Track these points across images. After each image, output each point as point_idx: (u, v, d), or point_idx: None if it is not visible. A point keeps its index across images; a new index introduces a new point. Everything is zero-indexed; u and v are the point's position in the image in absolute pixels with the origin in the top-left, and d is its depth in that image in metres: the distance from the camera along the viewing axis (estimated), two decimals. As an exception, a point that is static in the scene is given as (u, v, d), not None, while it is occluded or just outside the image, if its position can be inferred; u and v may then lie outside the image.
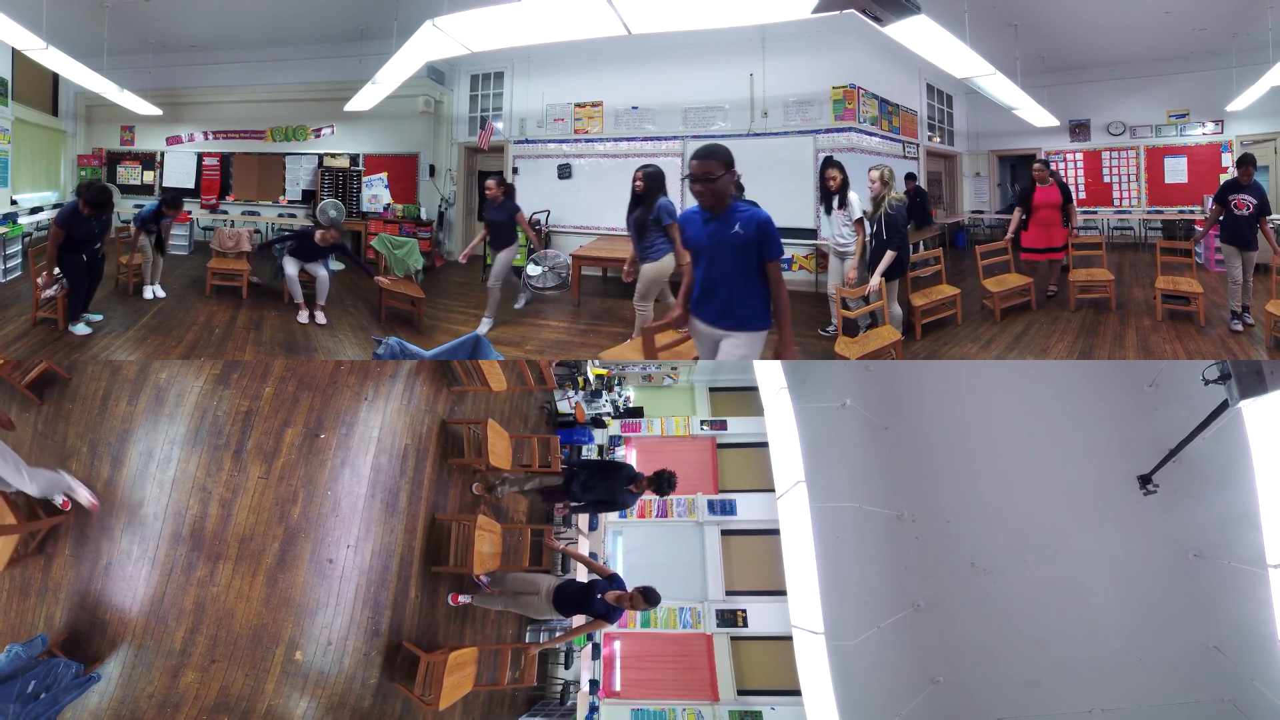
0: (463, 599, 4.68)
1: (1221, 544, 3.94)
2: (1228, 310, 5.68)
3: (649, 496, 6.13)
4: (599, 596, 4.17)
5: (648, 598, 4.08)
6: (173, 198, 6.26)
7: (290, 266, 5.84)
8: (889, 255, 5.09)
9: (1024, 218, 6.44)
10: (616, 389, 9.10)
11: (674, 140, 6.99)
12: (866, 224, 5.20)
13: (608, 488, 4.62)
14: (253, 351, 5.18)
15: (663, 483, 4.42)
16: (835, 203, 5.33)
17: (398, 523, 4.43)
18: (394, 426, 4.54)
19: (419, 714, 4.34)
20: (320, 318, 5.82)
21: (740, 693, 7.82)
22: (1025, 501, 4.26)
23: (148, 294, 6.07)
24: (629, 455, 9.15)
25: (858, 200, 5.26)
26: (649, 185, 4.76)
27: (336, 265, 6.42)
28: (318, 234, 5.71)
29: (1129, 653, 4.13)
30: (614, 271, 6.96)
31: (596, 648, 7.34)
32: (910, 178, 7.49)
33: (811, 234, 6.43)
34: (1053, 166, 8.90)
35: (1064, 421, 4.30)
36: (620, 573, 8.37)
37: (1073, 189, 8.83)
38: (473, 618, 5.05)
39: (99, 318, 5.45)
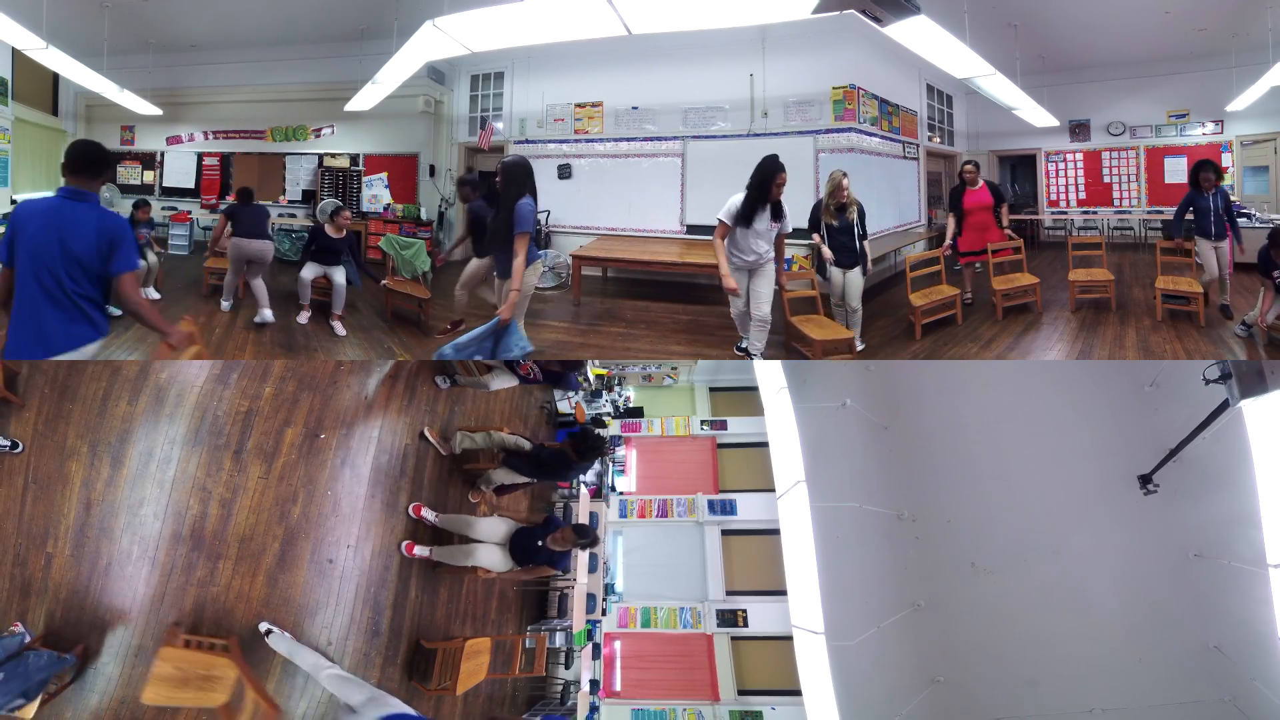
0: (418, 551, 4.45)
1: (1221, 544, 3.94)
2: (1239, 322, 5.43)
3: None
4: (540, 543, 4.14)
5: (580, 533, 4.05)
6: (139, 200, 6.35)
7: (308, 271, 5.70)
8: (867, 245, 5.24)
9: (957, 221, 6.24)
10: (616, 389, 9.11)
11: (674, 140, 6.99)
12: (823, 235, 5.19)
13: (559, 464, 4.59)
14: (253, 351, 5.18)
15: (583, 445, 4.28)
16: (772, 211, 4.56)
17: (398, 523, 4.43)
18: (394, 426, 4.54)
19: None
20: (339, 328, 5.64)
21: (740, 693, 7.82)
22: (1025, 501, 4.26)
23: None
24: (628, 455, 9.15)
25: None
26: (508, 181, 4.05)
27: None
28: (328, 227, 5.68)
29: (1129, 653, 4.13)
30: (614, 271, 6.96)
31: (597, 648, 7.33)
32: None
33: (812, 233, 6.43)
34: (1053, 166, 8.96)
35: (1064, 421, 4.30)
36: (620, 574, 8.41)
37: (1072, 189, 8.85)
38: (473, 617, 5.05)
39: (119, 313, 5.51)
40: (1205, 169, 5.69)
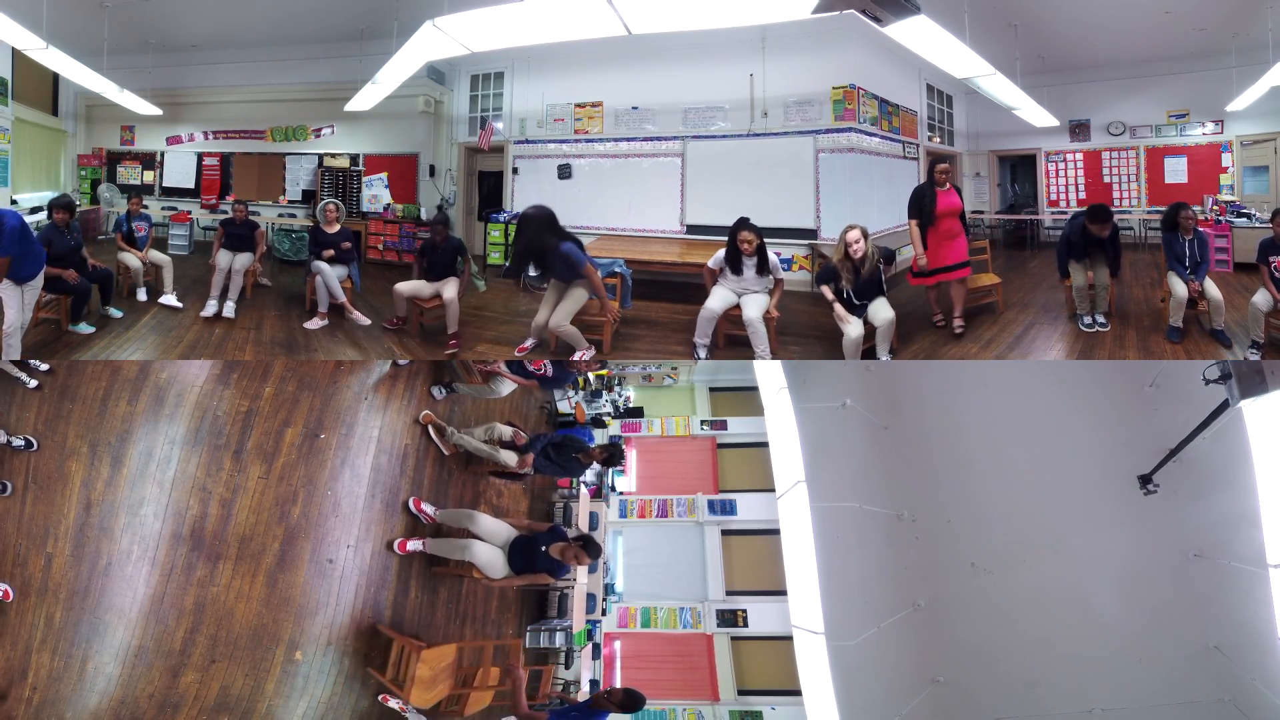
0: (411, 545, 4.46)
1: (1221, 544, 3.94)
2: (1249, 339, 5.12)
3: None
4: (543, 550, 4.22)
5: (589, 551, 4.17)
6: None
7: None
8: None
9: (923, 230, 5.34)
10: (616, 389, 9.11)
11: (674, 140, 6.99)
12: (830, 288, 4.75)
13: (560, 461, 5.05)
14: (253, 351, 5.17)
15: (612, 456, 5.10)
16: (754, 266, 4.72)
17: (398, 523, 4.44)
18: (394, 426, 4.54)
19: (419, 714, 4.34)
20: (359, 317, 5.59)
21: (740, 693, 7.82)
22: (1025, 501, 4.26)
23: (140, 296, 6.05)
24: (628, 455, 9.15)
25: (776, 259, 4.84)
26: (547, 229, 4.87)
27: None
28: (322, 225, 5.67)
29: (1129, 653, 4.13)
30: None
31: (596, 648, 7.33)
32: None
33: (811, 234, 6.42)
34: (1053, 166, 8.95)
35: (1064, 421, 4.30)
36: (620, 574, 8.40)
37: (1072, 189, 8.85)
38: (472, 617, 5.05)
39: (119, 314, 5.53)
40: (1184, 208, 5.28)
